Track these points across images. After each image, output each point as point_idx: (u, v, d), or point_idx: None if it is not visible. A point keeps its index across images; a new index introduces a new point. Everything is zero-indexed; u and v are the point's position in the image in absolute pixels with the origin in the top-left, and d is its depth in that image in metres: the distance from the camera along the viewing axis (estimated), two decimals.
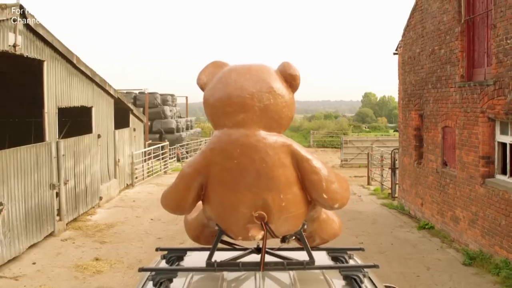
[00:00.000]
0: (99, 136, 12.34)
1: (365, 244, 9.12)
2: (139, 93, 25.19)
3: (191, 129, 29.58)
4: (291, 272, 2.37)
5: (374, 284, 2.40)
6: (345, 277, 2.32)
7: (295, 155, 2.15)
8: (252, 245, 2.54)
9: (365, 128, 79.71)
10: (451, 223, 9.36)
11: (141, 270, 2.31)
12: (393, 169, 13.09)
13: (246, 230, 2.14)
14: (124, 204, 12.99)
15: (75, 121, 12.60)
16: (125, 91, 25.50)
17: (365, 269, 2.36)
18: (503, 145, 7.89)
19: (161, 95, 26.61)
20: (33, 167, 8.73)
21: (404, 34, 12.15)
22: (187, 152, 24.29)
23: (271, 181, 2.08)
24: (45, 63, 9.41)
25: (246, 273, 2.38)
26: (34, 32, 8.89)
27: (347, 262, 2.60)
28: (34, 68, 9.46)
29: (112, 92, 13.41)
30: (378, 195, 14.33)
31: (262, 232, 2.12)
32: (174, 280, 2.26)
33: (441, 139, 9.92)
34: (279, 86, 2.17)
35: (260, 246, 2.29)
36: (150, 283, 2.28)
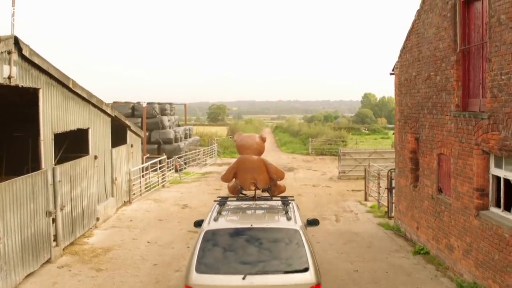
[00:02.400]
0: (96, 157, 12.35)
1: (360, 272, 9.17)
2: (137, 103, 25.22)
3: (189, 137, 29.61)
4: (264, 202, 7.55)
5: (294, 206, 7.28)
6: (282, 202, 7.37)
7: (265, 163, 7.56)
8: (251, 194, 7.81)
9: (365, 130, 79.74)
10: (446, 251, 9.39)
11: (216, 200, 7.56)
12: (389, 189, 13.11)
13: (249, 187, 7.55)
14: (121, 224, 13.01)
15: (72, 141, 12.60)
16: (123, 102, 25.54)
17: (290, 199, 7.65)
18: (498, 177, 7.92)
19: (159, 104, 26.62)
20: (29, 197, 8.75)
21: (400, 56, 12.16)
22: (185, 163, 24.36)
23: (257, 172, 7.47)
24: (40, 91, 9.42)
25: (250, 203, 7.41)
26: (29, 61, 8.89)
27: (288, 202, 7.44)
28: (29, 95, 9.46)
29: (109, 111, 13.41)
30: (375, 213, 14.35)
31: (253, 187, 7.55)
32: (224, 205, 7.17)
33: (437, 166, 9.94)
34: (259, 141, 7.69)
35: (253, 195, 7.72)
36: (217, 204, 7.19)
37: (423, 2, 10.65)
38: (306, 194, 17.91)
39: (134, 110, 24.30)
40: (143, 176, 17.35)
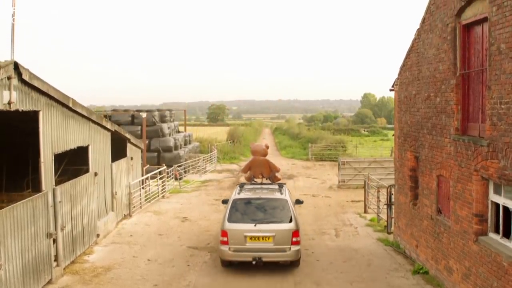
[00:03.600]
0: (96, 174, 12.36)
1: None
2: (136, 111, 25.22)
3: (189, 143, 29.62)
4: (267, 185, 12.31)
5: (285, 188, 11.98)
6: (278, 185, 12.02)
7: (268, 162, 13.10)
8: (259, 180, 13.16)
9: (364, 131, 79.87)
10: (445, 272, 9.42)
11: (237, 185, 12.59)
12: (388, 204, 13.13)
13: (258, 176, 12.96)
14: (121, 240, 13.03)
15: (72, 154, 12.60)
16: (122, 110, 25.53)
17: (283, 184, 12.49)
18: (497, 204, 7.94)
19: (158, 110, 26.63)
20: (29, 221, 8.76)
21: (400, 73, 12.17)
22: (185, 172, 24.40)
23: (263, 167, 12.93)
24: (40, 113, 9.42)
25: (259, 186, 12.19)
26: (29, 84, 8.90)
27: (282, 185, 12.08)
28: (29, 118, 9.47)
29: (109, 126, 13.42)
30: (374, 227, 14.38)
31: (261, 177, 12.99)
32: (243, 187, 11.83)
33: (436, 187, 9.96)
34: (264, 148, 13.49)
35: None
36: (238, 187, 11.83)
37: (423, 22, 10.66)
38: (306, 205, 17.86)
39: (133, 118, 24.31)
40: (143, 187, 17.37)
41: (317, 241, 13.01)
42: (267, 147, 13.65)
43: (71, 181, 10.94)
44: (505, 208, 7.64)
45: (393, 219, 13.14)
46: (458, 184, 8.85)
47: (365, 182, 16.30)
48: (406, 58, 11.70)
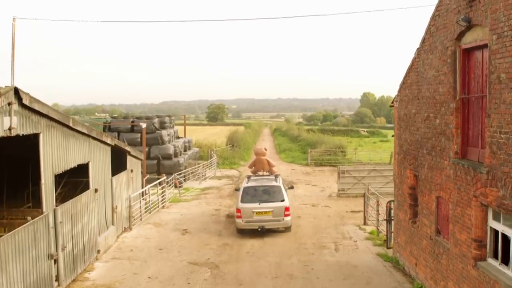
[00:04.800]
0: (96, 190, 12.38)
1: None
2: (136, 118, 25.23)
3: (189, 149, 29.62)
4: (267, 177, 17.48)
5: (280, 178, 17.35)
6: (274, 176, 17.45)
7: (267, 160, 19.20)
8: (261, 173, 18.95)
9: (364, 131, 79.92)
10: None
11: (246, 176, 17.97)
12: (388, 220, 13.17)
13: (260, 171, 18.94)
14: (121, 255, 13.06)
15: (72, 170, 12.62)
16: (122, 118, 25.53)
17: (278, 175, 18.10)
18: (496, 230, 7.98)
19: (158, 117, 26.63)
20: (31, 245, 8.79)
21: (400, 90, 12.19)
22: (184, 180, 24.46)
23: (263, 164, 18.89)
24: (41, 135, 9.44)
25: (261, 177, 17.41)
26: (29, 108, 8.91)
27: (277, 176, 17.64)
28: (30, 141, 9.48)
29: (109, 141, 13.43)
30: (374, 240, 14.42)
31: (262, 171, 18.96)
32: (250, 178, 16.93)
33: (435, 208, 9.99)
34: (264, 151, 19.45)
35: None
36: (246, 178, 17.16)
37: (423, 42, 10.67)
38: (305, 216, 17.98)
39: (133, 126, 24.30)
40: (143, 198, 17.39)
41: (316, 256, 13.06)
42: (266, 150, 20.24)
43: (71, 200, 10.97)
44: (504, 235, 7.69)
45: (392, 234, 13.19)
46: (458, 208, 8.88)
47: (364, 194, 16.34)
48: (406, 76, 11.72)
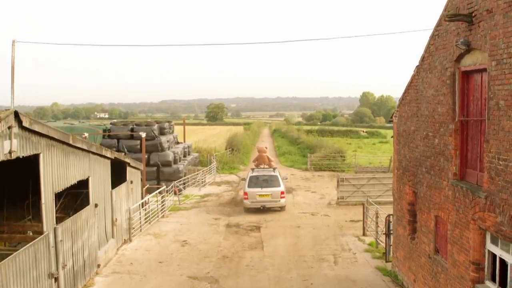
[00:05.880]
0: (96, 205, 12.41)
1: None
2: (136, 124, 25.22)
3: (188, 155, 29.63)
4: (267, 168, 23.27)
5: (277, 170, 22.97)
6: (273, 168, 23.00)
7: (267, 156, 24.88)
8: (263, 167, 23.95)
9: (363, 132, 79.98)
10: None
11: (251, 168, 23.39)
12: (387, 234, 13.22)
13: (262, 164, 24.16)
14: (121, 269, 13.09)
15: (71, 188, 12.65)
16: (121, 124, 25.53)
17: (276, 168, 23.85)
18: (493, 253, 8.02)
19: (157, 122, 26.63)
20: (31, 266, 8.83)
21: (399, 106, 12.22)
22: (184, 188, 24.49)
23: (264, 160, 24.28)
24: (41, 155, 9.46)
25: (262, 169, 23.08)
26: (29, 130, 8.93)
27: (274, 169, 23.33)
28: (29, 162, 9.50)
29: (108, 154, 13.45)
30: (373, 252, 14.47)
31: (263, 165, 24.15)
32: (254, 170, 22.37)
33: (434, 227, 10.04)
34: (265, 149, 25.75)
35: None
36: (251, 170, 22.65)
37: (422, 60, 10.69)
38: (305, 226, 18.02)
39: (133, 131, 24.30)
40: (143, 208, 17.42)
41: (315, 269, 13.11)
42: (266, 148, 27.10)
43: (71, 217, 11.00)
44: (502, 259, 7.73)
45: (391, 247, 13.24)
46: (456, 229, 8.92)
47: (363, 205, 16.39)
48: (405, 92, 11.74)
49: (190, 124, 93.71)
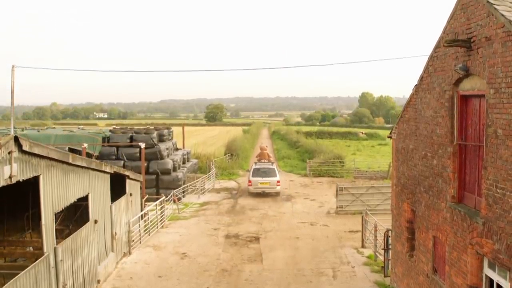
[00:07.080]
0: (96, 221, 12.44)
1: None
2: (135, 132, 25.24)
3: (187, 161, 29.66)
4: (267, 162, 29.63)
5: (275, 164, 30.74)
6: (271, 163, 29.63)
7: (267, 153, 31.49)
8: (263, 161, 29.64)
9: (362, 134, 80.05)
10: None
11: (254, 162, 30.84)
12: (386, 249, 13.28)
13: (263, 159, 30.12)
14: (121, 284, 13.12)
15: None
16: (120, 132, 25.55)
17: (273, 162, 31.20)
18: (491, 278, 8.07)
19: (156, 129, 26.65)
20: None
21: (398, 123, 12.26)
22: (183, 196, 24.54)
23: (264, 156, 30.40)
24: (41, 177, 9.49)
25: (263, 162, 29.30)
26: (29, 153, 8.95)
27: (273, 163, 30.18)
28: (29, 184, 9.53)
29: (108, 169, 13.48)
30: (372, 266, 14.53)
31: (264, 160, 30.23)
32: (256, 163, 28.79)
33: (432, 247, 10.09)
34: (266, 147, 33.47)
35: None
36: (254, 163, 29.48)
37: (421, 80, 10.73)
38: (304, 236, 18.07)
39: (132, 139, 24.33)
40: (142, 219, 17.45)
41: (314, 284, 13.16)
42: (267, 146, 34.17)
43: (71, 236, 11.02)
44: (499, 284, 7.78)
45: (389, 262, 13.30)
46: (454, 252, 8.97)
47: (362, 217, 16.45)
48: (404, 110, 11.78)
49: (190, 125, 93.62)
